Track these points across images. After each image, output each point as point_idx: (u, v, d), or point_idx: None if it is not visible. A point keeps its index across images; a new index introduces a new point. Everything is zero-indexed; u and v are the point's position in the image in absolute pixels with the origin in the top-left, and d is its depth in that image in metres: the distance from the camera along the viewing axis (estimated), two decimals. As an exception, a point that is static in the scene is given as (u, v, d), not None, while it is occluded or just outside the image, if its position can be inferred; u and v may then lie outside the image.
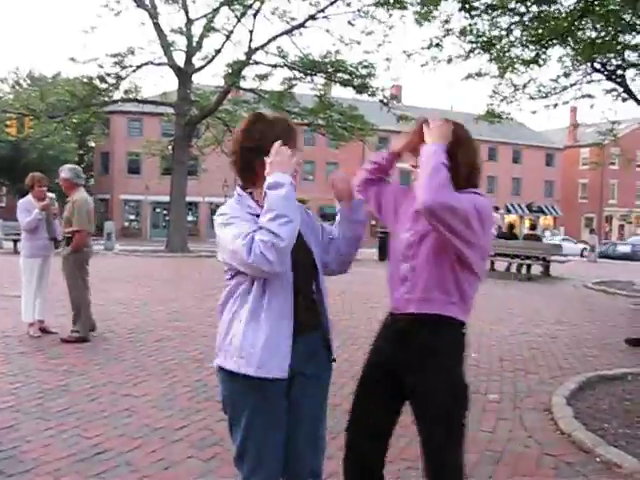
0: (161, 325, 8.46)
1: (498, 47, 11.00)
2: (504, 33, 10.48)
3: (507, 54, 11.26)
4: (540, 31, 9.75)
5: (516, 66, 11.82)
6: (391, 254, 2.77)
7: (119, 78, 23.30)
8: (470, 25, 10.54)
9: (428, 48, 11.59)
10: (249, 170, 2.49)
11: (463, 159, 2.59)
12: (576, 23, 9.24)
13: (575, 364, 6.98)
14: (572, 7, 9.86)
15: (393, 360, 2.67)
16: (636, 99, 14.92)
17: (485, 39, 10.68)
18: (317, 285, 2.62)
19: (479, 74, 13.83)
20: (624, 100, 16.25)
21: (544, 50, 10.91)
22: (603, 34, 10.96)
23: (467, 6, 10.34)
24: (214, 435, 4.33)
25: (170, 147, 27.29)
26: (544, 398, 5.52)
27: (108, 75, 22.82)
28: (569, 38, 10.12)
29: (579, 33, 10.13)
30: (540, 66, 11.67)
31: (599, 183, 62.17)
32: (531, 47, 10.72)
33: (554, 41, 10.06)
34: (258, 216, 2.32)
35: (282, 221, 2.23)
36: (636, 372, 6.42)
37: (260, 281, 2.39)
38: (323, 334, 2.62)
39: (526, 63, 11.50)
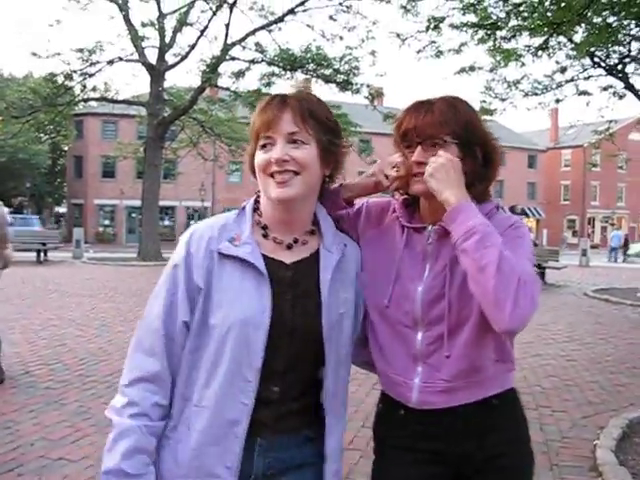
0: (120, 352, 7.26)
1: (503, 33, 10.00)
2: (512, 14, 9.41)
3: (511, 41, 10.27)
4: (552, 13, 8.71)
5: (521, 55, 10.81)
6: (378, 313, 1.64)
7: (87, 76, 21.93)
8: (474, 5, 9.43)
9: (426, 31, 10.54)
10: None
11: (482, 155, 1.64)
12: (591, 4, 8.24)
13: (605, 397, 5.97)
14: None
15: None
16: (637, 94, 14.11)
17: (490, 22, 9.62)
18: (324, 373, 1.53)
19: (472, 68, 12.89)
20: (621, 97, 15.57)
21: (555, 36, 9.89)
22: (611, 22, 10.05)
23: None
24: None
25: (143, 149, 25.97)
26: (584, 449, 4.50)
27: (74, 72, 21.47)
28: (581, 24, 9.11)
29: (593, 17, 9.15)
30: (550, 56, 10.68)
31: (581, 185, 61.75)
32: (539, 33, 9.68)
33: (564, 27, 9.02)
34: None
35: None
36: (680, 408, 5.47)
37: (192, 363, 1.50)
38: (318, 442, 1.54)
39: (535, 50, 10.48)
